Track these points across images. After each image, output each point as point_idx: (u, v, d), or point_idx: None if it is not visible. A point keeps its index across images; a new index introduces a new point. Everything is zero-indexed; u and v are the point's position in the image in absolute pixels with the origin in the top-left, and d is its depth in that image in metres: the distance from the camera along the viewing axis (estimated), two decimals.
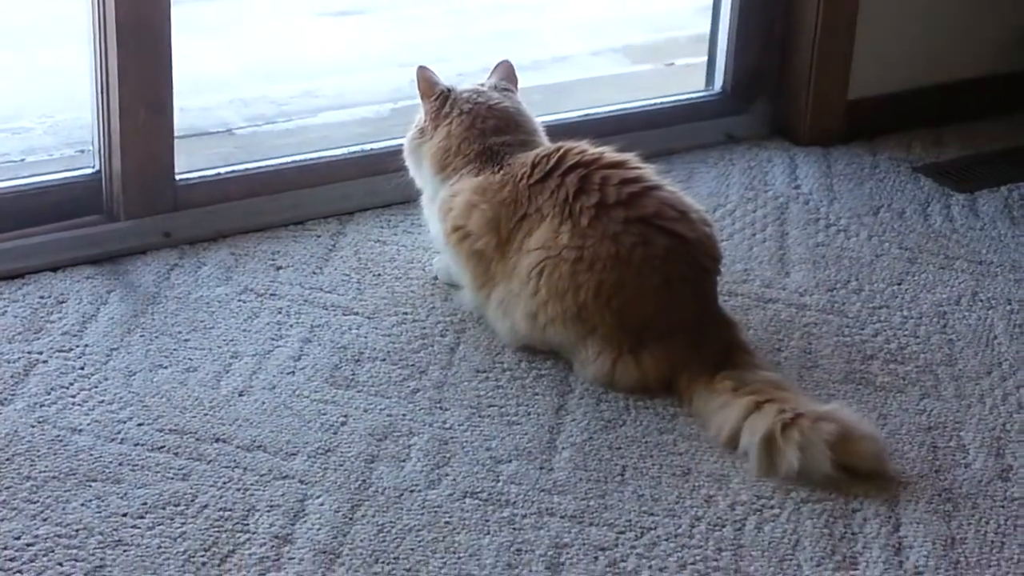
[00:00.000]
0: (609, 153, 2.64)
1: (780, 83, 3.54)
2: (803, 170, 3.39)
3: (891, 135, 3.55)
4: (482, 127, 2.71)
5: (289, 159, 3.13)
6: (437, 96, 2.77)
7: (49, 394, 2.42)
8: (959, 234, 3.13)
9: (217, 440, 2.34)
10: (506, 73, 2.83)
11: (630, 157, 2.65)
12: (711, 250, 2.60)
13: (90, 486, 2.22)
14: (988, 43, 3.66)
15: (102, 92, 2.86)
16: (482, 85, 2.81)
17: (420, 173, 2.80)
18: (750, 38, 3.52)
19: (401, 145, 2.86)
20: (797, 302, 2.84)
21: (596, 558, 2.14)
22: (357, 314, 2.71)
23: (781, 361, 2.64)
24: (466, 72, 3.43)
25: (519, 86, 2.84)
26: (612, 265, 2.51)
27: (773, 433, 2.29)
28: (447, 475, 2.29)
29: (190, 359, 2.54)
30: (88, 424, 2.36)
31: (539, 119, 2.83)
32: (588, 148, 2.65)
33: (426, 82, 2.78)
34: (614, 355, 2.53)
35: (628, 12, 4.55)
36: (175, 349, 2.57)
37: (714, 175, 3.34)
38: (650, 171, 2.64)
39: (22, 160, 3.33)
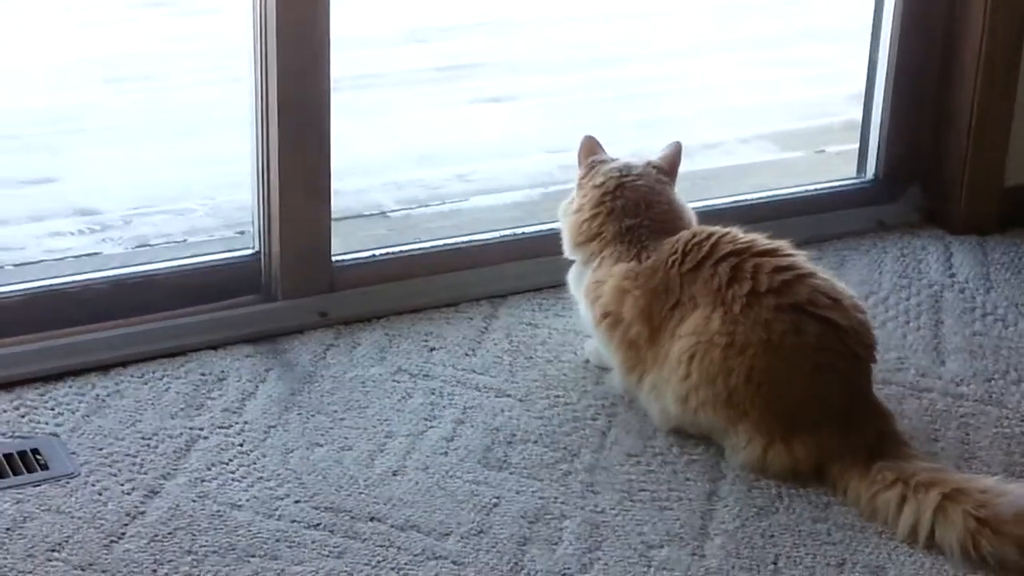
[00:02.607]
0: (761, 240, 2.64)
1: (934, 169, 3.51)
2: (958, 258, 3.34)
3: None
4: (611, 205, 2.72)
5: (442, 242, 3.18)
6: (587, 165, 2.80)
7: (210, 470, 2.48)
8: None
9: (372, 519, 2.37)
10: (669, 152, 2.83)
11: (782, 244, 2.65)
12: (865, 337, 2.58)
13: (249, 562, 2.26)
14: None
15: (262, 174, 2.93)
16: (632, 159, 2.82)
17: (565, 243, 2.83)
18: (903, 124, 3.50)
19: (551, 230, 2.90)
20: (954, 392, 2.80)
21: None
22: (509, 396, 2.73)
23: (938, 452, 2.60)
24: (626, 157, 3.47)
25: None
26: (763, 351, 2.50)
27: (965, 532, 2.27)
28: (599, 559, 2.29)
29: (345, 438, 2.58)
30: (247, 500, 2.40)
31: (690, 204, 2.83)
32: (740, 235, 2.65)
33: (586, 149, 2.82)
34: (765, 441, 2.51)
35: (779, 99, 4.55)
36: (331, 428, 2.61)
37: (866, 263, 3.32)
38: (802, 258, 2.63)
39: (184, 240, 3.43)
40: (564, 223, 2.82)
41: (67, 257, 3.31)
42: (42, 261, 3.31)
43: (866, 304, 2.81)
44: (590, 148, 2.82)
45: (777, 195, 3.49)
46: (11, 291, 2.85)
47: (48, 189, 3.73)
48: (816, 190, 3.53)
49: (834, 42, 4.94)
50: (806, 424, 2.49)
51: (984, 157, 3.45)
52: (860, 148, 3.59)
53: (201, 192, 3.68)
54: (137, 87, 4.48)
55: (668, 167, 2.82)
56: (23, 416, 2.60)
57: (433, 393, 2.73)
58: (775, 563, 2.30)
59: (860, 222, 3.48)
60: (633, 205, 2.73)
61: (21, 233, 3.47)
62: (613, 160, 2.82)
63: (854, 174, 3.60)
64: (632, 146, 2.87)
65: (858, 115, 3.59)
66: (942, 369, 2.88)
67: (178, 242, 3.42)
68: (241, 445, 2.55)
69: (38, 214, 3.57)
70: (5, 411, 2.61)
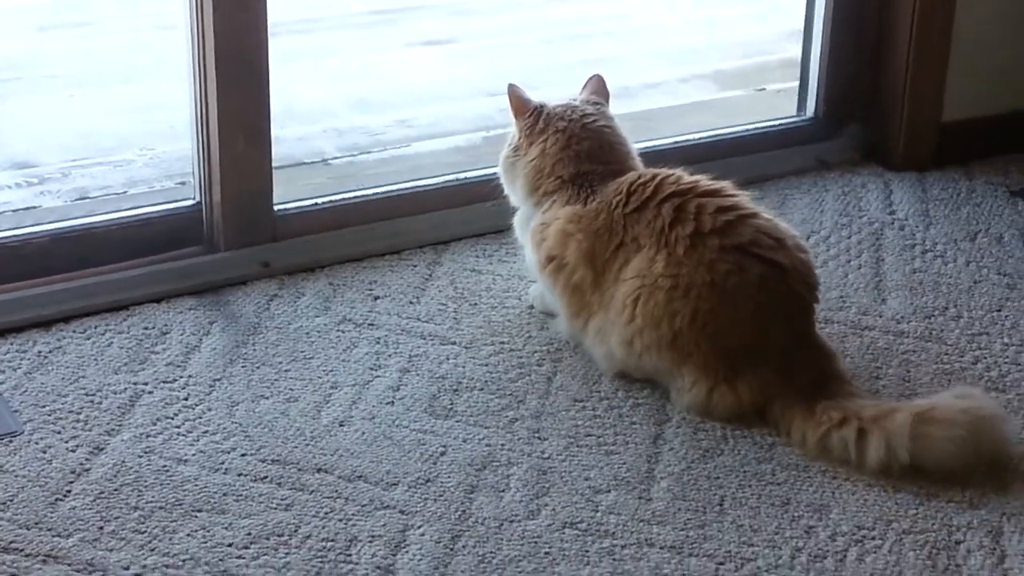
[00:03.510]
0: (704, 181, 2.65)
1: (872, 107, 3.53)
2: (898, 195, 3.37)
3: (987, 159, 3.52)
4: (577, 148, 2.72)
5: (384, 189, 3.16)
6: (530, 113, 2.78)
7: (155, 424, 2.47)
8: None
9: (319, 470, 2.37)
10: (597, 87, 2.84)
11: (725, 185, 2.65)
12: (807, 277, 2.60)
13: (196, 516, 2.25)
14: None
15: (202, 124, 2.90)
16: (574, 100, 2.82)
17: (514, 191, 2.82)
18: (842, 62, 3.51)
19: (494, 174, 2.88)
20: (895, 329, 2.83)
21: None
22: (454, 344, 2.73)
23: (879, 389, 2.62)
24: (555, 99, 3.46)
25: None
26: (707, 293, 2.51)
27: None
28: (546, 505, 2.31)
29: (291, 389, 2.58)
30: (193, 454, 2.40)
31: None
32: (683, 176, 2.65)
33: (518, 99, 2.80)
34: (710, 383, 2.53)
35: (716, 38, 4.55)
36: (276, 379, 2.60)
37: (807, 201, 3.33)
38: (745, 199, 2.64)
39: (124, 192, 3.39)
40: (514, 173, 2.79)
41: (5, 211, 3.28)
42: None
43: (808, 243, 2.83)
44: (521, 97, 2.80)
45: (718, 135, 3.50)
46: None
47: None
48: (757, 129, 3.55)
49: None
50: (750, 365, 2.51)
51: (922, 93, 3.47)
52: (800, 86, 3.60)
53: (140, 142, 3.65)
54: (72, 34, 4.42)
55: (605, 102, 2.82)
56: None
57: (378, 342, 2.73)
58: (721, 504, 2.32)
59: (801, 160, 3.50)
60: (598, 146, 2.73)
61: None
62: (557, 103, 2.80)
63: (794, 112, 3.61)
64: (574, 88, 2.85)
65: (797, 53, 3.60)
66: (883, 307, 2.90)
67: (118, 194, 3.39)
68: (186, 399, 2.54)
69: None
70: None
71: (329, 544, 2.20)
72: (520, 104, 2.79)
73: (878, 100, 3.51)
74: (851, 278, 3.01)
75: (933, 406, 2.36)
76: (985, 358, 2.73)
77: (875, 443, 2.36)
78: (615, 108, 2.85)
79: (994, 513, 2.31)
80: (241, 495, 2.30)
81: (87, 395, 2.54)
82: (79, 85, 4.05)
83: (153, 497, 2.29)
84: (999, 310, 2.90)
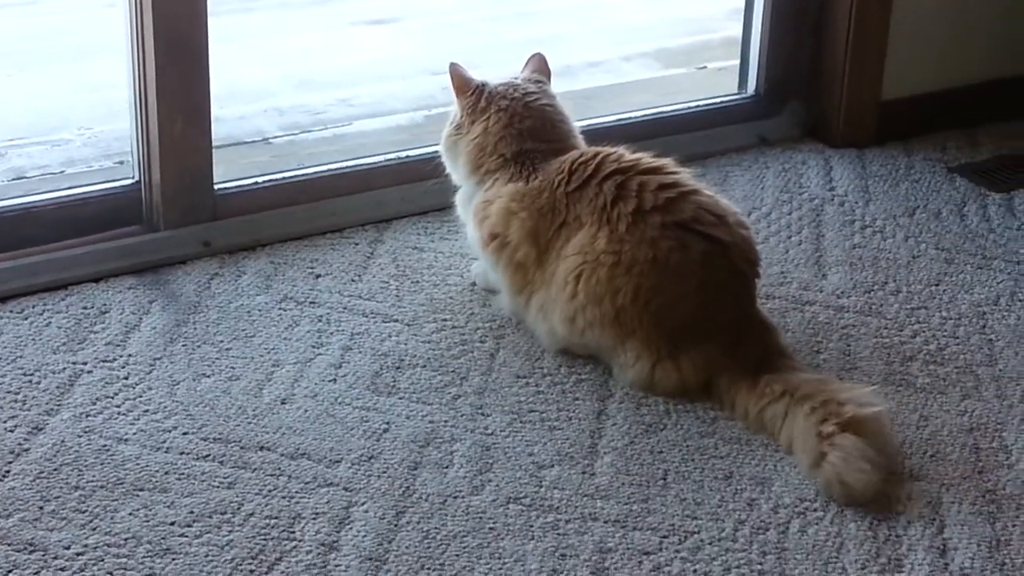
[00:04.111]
0: (646, 158, 2.65)
1: (813, 85, 3.55)
2: (837, 172, 3.39)
3: (925, 136, 3.55)
4: (519, 127, 2.72)
5: (326, 167, 3.15)
6: (472, 91, 2.77)
7: (94, 404, 2.45)
8: (996, 234, 3.13)
9: (261, 448, 2.36)
10: (539, 66, 2.84)
11: (667, 162, 2.66)
12: (749, 253, 2.61)
13: (137, 495, 2.24)
14: (1021, 43, 3.66)
15: (140, 103, 2.88)
16: (516, 78, 2.81)
17: (456, 170, 2.81)
18: (782, 40, 3.53)
19: (436, 152, 2.87)
20: (835, 304, 2.85)
21: (640, 563, 2.15)
22: (397, 321, 2.72)
23: (820, 363, 2.64)
24: (497, 77, 3.46)
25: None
26: (650, 269, 2.52)
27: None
28: (490, 481, 2.31)
29: (232, 368, 2.56)
30: (134, 434, 2.38)
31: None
32: (625, 154, 2.66)
33: (460, 78, 2.79)
34: (653, 359, 2.53)
35: (659, 16, 4.56)
36: (217, 358, 2.59)
37: (748, 178, 3.35)
38: (687, 176, 2.65)
39: (62, 172, 3.36)
40: (456, 151, 2.79)
41: None
42: None
43: (749, 220, 2.84)
44: (463, 76, 2.79)
45: (660, 112, 3.51)
46: None
47: None
48: (698, 107, 3.56)
49: None
50: (693, 341, 2.52)
51: (861, 71, 3.49)
52: (741, 64, 3.61)
53: (78, 121, 3.60)
54: (14, 13, 4.36)
55: (547, 80, 2.82)
56: None
57: (320, 320, 2.72)
58: (664, 478, 2.33)
59: (742, 138, 3.51)
60: (541, 124, 2.73)
61: None
62: (499, 82, 2.80)
63: (735, 90, 3.62)
64: (517, 66, 2.85)
65: (738, 31, 3.61)
66: (823, 282, 2.92)
67: (55, 173, 3.35)
68: (126, 378, 2.52)
69: None
70: None
71: (272, 522, 2.20)
72: (462, 82, 2.79)
73: (818, 78, 3.54)
74: (792, 254, 3.03)
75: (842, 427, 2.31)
76: (924, 332, 2.76)
77: (786, 432, 2.37)
78: (557, 87, 2.85)
79: (933, 484, 2.33)
80: (183, 474, 2.29)
81: (25, 375, 2.51)
82: (18, 65, 4.00)
83: (94, 477, 2.27)
84: (937, 284, 2.93)
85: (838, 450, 2.28)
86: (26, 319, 2.67)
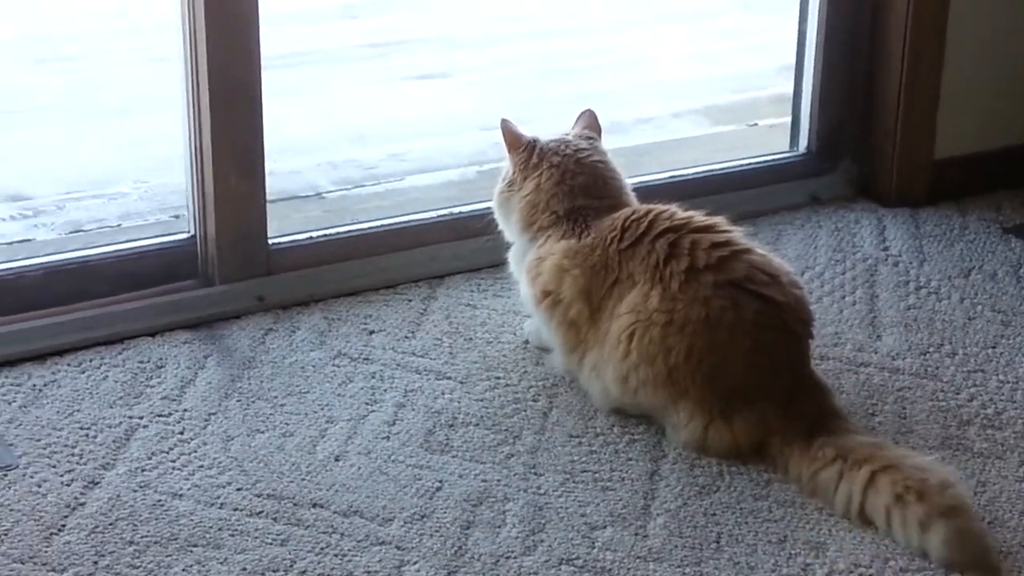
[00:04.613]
0: (698, 217, 2.66)
1: (864, 143, 3.54)
2: (891, 231, 3.38)
3: (979, 195, 3.53)
4: (571, 184, 2.73)
5: (378, 223, 3.17)
6: (524, 148, 2.78)
7: (150, 459, 2.46)
8: None
9: (314, 505, 2.36)
10: (590, 122, 2.85)
11: (719, 220, 2.66)
12: (802, 313, 2.60)
13: (191, 551, 2.25)
14: None
15: (196, 156, 2.91)
16: (567, 135, 2.82)
17: (508, 226, 2.82)
18: (833, 98, 3.52)
19: (488, 209, 2.88)
20: (890, 366, 2.83)
21: None
22: (450, 378, 2.73)
23: (875, 426, 2.63)
24: (548, 134, 3.49)
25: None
26: (702, 329, 2.51)
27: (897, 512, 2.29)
28: (543, 541, 2.30)
29: (287, 424, 2.57)
30: (188, 489, 2.39)
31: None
32: (677, 212, 2.66)
33: (511, 135, 2.81)
34: (706, 420, 2.53)
35: (709, 73, 4.58)
36: (272, 414, 2.60)
37: (801, 237, 3.34)
38: (739, 234, 2.64)
39: (119, 225, 3.40)
40: (509, 208, 2.79)
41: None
42: None
43: (802, 279, 2.83)
44: (514, 132, 2.80)
45: (711, 170, 3.51)
46: None
47: None
48: (749, 165, 3.56)
49: (765, 13, 4.96)
50: (746, 401, 2.51)
51: (914, 129, 3.48)
52: (792, 121, 3.61)
53: (134, 175, 3.65)
54: (66, 67, 4.43)
55: (598, 137, 2.83)
56: None
57: (374, 377, 2.72)
58: (717, 541, 2.32)
59: (794, 196, 3.51)
60: (593, 181, 2.74)
61: None
62: (550, 138, 2.81)
63: (787, 148, 3.62)
64: (567, 121, 2.86)
65: (789, 88, 3.61)
66: (878, 343, 2.91)
67: (112, 227, 3.39)
68: (181, 433, 2.53)
69: None
70: None
71: None
72: (514, 139, 2.80)
73: (870, 136, 3.53)
74: (846, 314, 3.02)
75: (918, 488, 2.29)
76: (981, 395, 2.73)
77: (843, 488, 2.35)
78: (607, 143, 2.86)
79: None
80: (237, 530, 2.30)
81: (82, 429, 2.53)
82: (75, 118, 4.06)
83: (148, 532, 2.28)
84: (994, 347, 2.90)
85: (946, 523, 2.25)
86: (83, 372, 2.70)
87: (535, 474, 2.46)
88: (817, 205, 3.49)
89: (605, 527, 2.34)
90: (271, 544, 2.27)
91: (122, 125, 4.01)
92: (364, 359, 2.78)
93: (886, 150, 3.50)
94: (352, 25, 4.90)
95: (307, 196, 3.59)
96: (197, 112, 2.87)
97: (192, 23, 2.81)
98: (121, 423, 2.55)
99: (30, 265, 2.89)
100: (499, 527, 2.33)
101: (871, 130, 3.53)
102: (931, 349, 2.89)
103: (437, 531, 2.31)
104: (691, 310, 2.52)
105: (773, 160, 3.59)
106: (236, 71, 2.85)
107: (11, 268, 2.88)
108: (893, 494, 2.29)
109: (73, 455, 2.46)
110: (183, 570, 2.20)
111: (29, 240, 3.32)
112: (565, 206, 2.72)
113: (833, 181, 3.55)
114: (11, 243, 3.29)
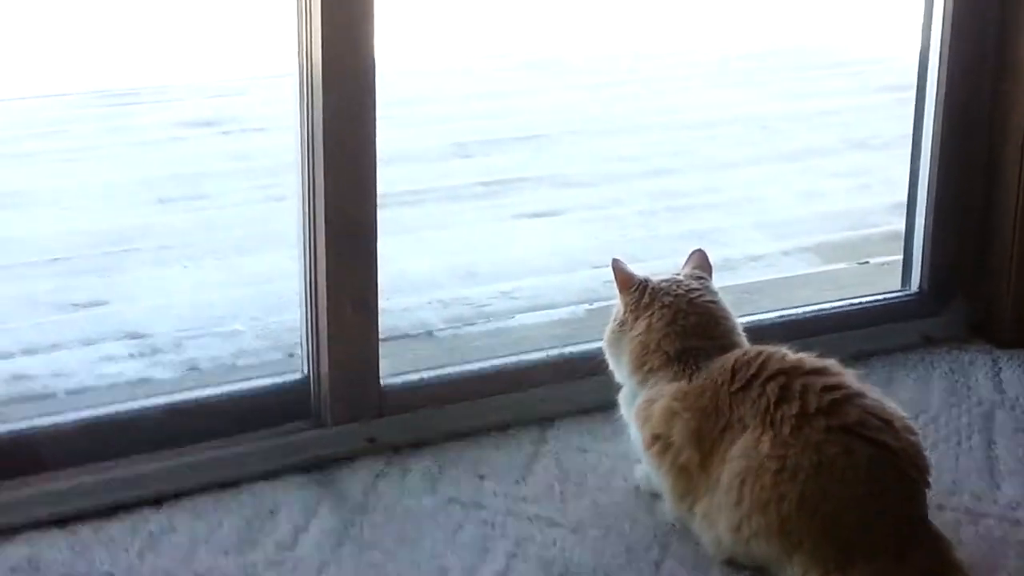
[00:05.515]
0: (809, 359, 2.64)
1: (979, 282, 3.50)
2: (1007, 373, 3.33)
3: None
4: (683, 324, 2.72)
5: (488, 363, 3.18)
6: (635, 288, 2.79)
7: None
8: None
9: None
10: (700, 261, 2.85)
11: (831, 363, 2.64)
12: (917, 460, 2.56)
13: None
14: None
15: (311, 295, 2.94)
16: (678, 274, 2.83)
17: (619, 367, 2.82)
18: (946, 236, 3.50)
19: (598, 349, 2.88)
20: (1011, 517, 2.77)
21: None
22: (561, 526, 2.72)
23: None
24: (659, 273, 3.51)
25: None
26: (815, 475, 2.48)
27: None
28: None
29: (399, 574, 2.57)
30: None
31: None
32: (788, 354, 2.64)
33: (623, 274, 2.82)
34: (821, 572, 2.48)
35: (819, 210, 4.58)
36: (384, 563, 2.59)
37: (914, 379, 3.30)
38: (851, 377, 2.62)
39: (234, 364, 3.45)
40: (620, 348, 2.80)
41: (118, 382, 3.34)
42: (94, 387, 3.34)
43: (916, 424, 2.78)
44: (625, 272, 2.82)
45: (822, 309, 3.48)
46: (64, 420, 2.87)
47: (99, 312, 3.77)
48: (860, 304, 3.52)
49: (875, 151, 4.97)
50: (861, 553, 2.46)
51: None
52: (904, 260, 3.58)
53: (250, 313, 3.72)
54: (186, 207, 4.56)
55: (709, 276, 2.84)
56: (78, 555, 2.60)
57: (485, 524, 2.72)
58: None
59: (906, 336, 3.47)
60: (705, 321, 2.74)
61: (73, 358, 3.50)
62: (662, 278, 2.82)
63: (899, 286, 3.59)
64: (677, 260, 2.88)
65: (901, 225, 3.60)
66: (998, 492, 2.85)
67: (227, 365, 3.44)
68: None
69: (89, 338, 3.60)
70: (60, 550, 2.61)
71: None
72: (625, 279, 2.81)
73: (984, 275, 3.50)
74: (962, 461, 2.96)
75: None
76: None
77: None
78: (718, 281, 2.87)
79: None
80: None
81: None
82: (193, 257, 4.16)
83: None
84: None
85: None
86: (199, 518, 2.72)
87: None
88: (930, 346, 3.45)
89: None
90: None
91: (240, 263, 4.10)
92: (475, 505, 2.78)
93: (1001, 289, 3.46)
94: (464, 164, 4.99)
95: (418, 335, 3.63)
96: (313, 251, 2.92)
97: (311, 163, 2.87)
98: (236, 572, 2.56)
99: (148, 405, 2.93)
100: None
101: (985, 269, 3.49)
102: None
103: None
104: (803, 456, 2.49)
105: (885, 299, 3.56)
106: (352, 210, 2.89)
107: (130, 408, 2.93)
108: None
109: None
110: None
111: (148, 379, 3.38)
112: (676, 347, 2.72)
113: (947, 321, 3.51)
114: (130, 382, 3.35)
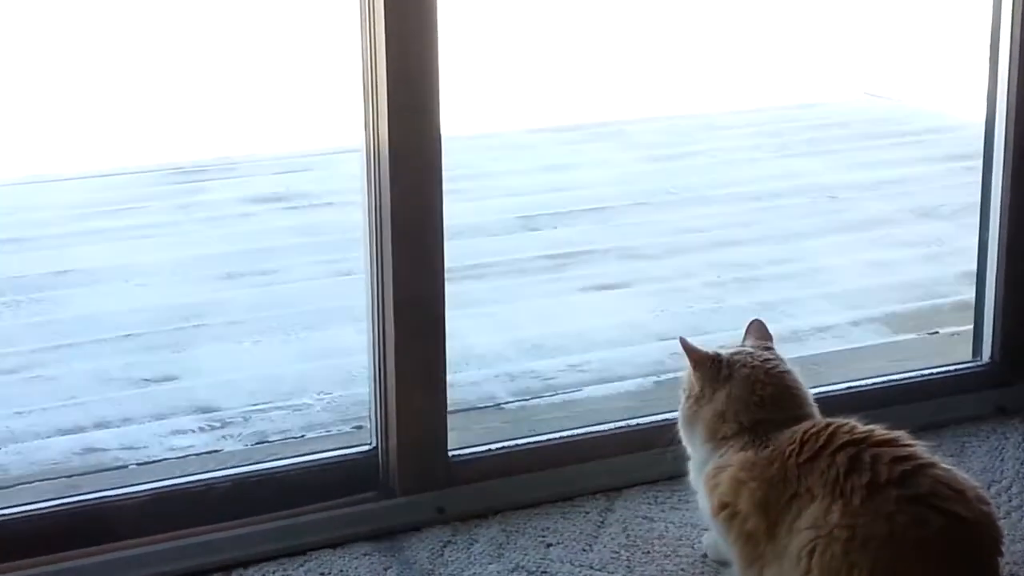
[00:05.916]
0: (879, 430, 2.61)
1: None
2: None
3: None
4: (760, 394, 2.70)
5: (557, 435, 3.18)
6: (711, 363, 2.78)
7: None
8: None
9: None
10: (761, 332, 2.84)
11: (900, 434, 2.61)
12: (991, 530, 2.52)
13: None
14: None
15: (379, 368, 2.96)
16: (744, 346, 2.81)
17: (692, 440, 2.80)
18: (1018, 305, 3.47)
19: (665, 420, 2.88)
20: None
21: None
22: None
23: None
24: (725, 346, 3.50)
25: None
26: (886, 546, 2.45)
27: None
28: None
29: None
30: None
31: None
32: (857, 425, 2.62)
33: (694, 352, 2.80)
34: None
35: (887, 280, 4.56)
36: None
37: (986, 450, 3.26)
38: (922, 448, 2.59)
39: (302, 436, 3.48)
40: (695, 421, 2.77)
41: (188, 455, 3.38)
42: (164, 460, 3.37)
43: (989, 494, 2.76)
44: (696, 349, 2.80)
45: (891, 380, 3.46)
46: (135, 491, 2.90)
47: (170, 387, 3.81)
48: (931, 374, 3.50)
49: (943, 220, 4.95)
50: None
51: None
52: (975, 329, 3.55)
53: (318, 386, 3.75)
54: (254, 282, 4.61)
55: (771, 344, 2.83)
56: None
57: None
58: None
59: (978, 407, 3.43)
60: (780, 392, 2.72)
61: (144, 432, 3.54)
62: (732, 350, 2.80)
63: (969, 357, 3.56)
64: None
65: (971, 294, 3.57)
66: None
67: (296, 438, 3.47)
68: None
69: (160, 412, 3.65)
70: None
71: None
72: (698, 356, 2.79)
73: None
74: None
75: None
76: None
77: None
78: (786, 352, 2.85)
79: None
80: None
81: None
82: (261, 331, 4.20)
83: None
84: None
85: None
86: None
87: None
88: (1003, 416, 3.41)
89: None
90: None
91: (308, 337, 4.14)
92: (542, 572, 2.78)
93: None
94: (531, 237, 5.01)
95: (486, 407, 3.64)
96: (381, 325, 2.94)
97: (378, 238, 2.90)
98: None
99: (217, 477, 2.97)
100: None
101: None
102: None
103: None
104: (874, 526, 2.47)
105: (956, 370, 3.52)
106: (419, 285, 2.92)
107: (200, 480, 2.96)
108: None
109: None
110: None
111: (217, 451, 3.41)
112: (751, 417, 2.70)
113: (1019, 391, 3.47)
114: (200, 454, 3.38)
